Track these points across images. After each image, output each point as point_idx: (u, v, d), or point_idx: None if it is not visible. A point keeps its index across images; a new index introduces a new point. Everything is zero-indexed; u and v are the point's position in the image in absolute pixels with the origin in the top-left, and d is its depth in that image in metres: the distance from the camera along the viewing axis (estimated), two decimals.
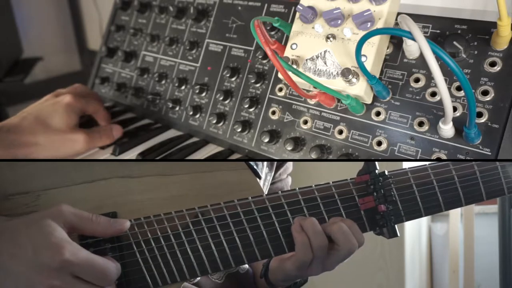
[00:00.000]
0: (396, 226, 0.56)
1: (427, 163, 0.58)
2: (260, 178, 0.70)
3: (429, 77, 0.62)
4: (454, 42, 0.58)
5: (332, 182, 0.56)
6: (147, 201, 0.53)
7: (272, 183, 0.77)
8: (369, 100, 0.64)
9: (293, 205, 0.54)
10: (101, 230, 0.48)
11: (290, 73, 0.60)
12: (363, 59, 0.59)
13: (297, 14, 0.65)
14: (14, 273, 0.44)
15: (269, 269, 0.62)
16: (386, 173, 0.57)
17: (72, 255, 0.44)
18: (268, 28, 0.75)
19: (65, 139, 0.77)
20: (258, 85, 0.77)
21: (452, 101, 0.56)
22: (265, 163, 0.73)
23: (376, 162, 0.57)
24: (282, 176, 0.80)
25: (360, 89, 0.60)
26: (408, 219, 0.57)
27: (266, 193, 0.74)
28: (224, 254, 0.52)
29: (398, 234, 0.55)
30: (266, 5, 0.78)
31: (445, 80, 0.57)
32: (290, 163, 0.81)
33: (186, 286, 0.61)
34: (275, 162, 0.76)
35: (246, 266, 0.68)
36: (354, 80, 0.60)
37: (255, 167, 0.65)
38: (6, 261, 0.44)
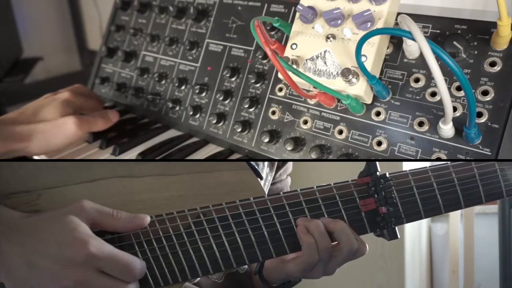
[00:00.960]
0: (396, 228, 0.56)
1: (427, 165, 0.58)
2: (261, 178, 0.70)
3: (429, 77, 0.62)
4: (454, 42, 0.58)
5: (334, 184, 0.56)
6: (147, 201, 0.53)
7: (272, 184, 0.77)
8: (369, 100, 0.64)
9: (294, 206, 0.55)
10: (122, 225, 0.49)
11: (290, 73, 0.60)
12: (363, 59, 0.59)
13: (297, 14, 0.65)
14: (39, 268, 0.45)
15: (265, 267, 0.62)
16: (387, 175, 0.57)
17: (97, 249, 0.45)
18: (268, 28, 0.75)
19: (55, 125, 0.75)
20: (258, 85, 0.77)
21: (452, 101, 0.56)
22: (266, 163, 0.73)
23: (377, 164, 0.57)
24: (282, 176, 0.80)
25: (360, 89, 0.60)
26: (408, 221, 0.57)
27: (266, 193, 0.74)
28: (225, 255, 0.52)
29: (399, 236, 0.56)
30: (266, 5, 0.78)
31: (445, 80, 0.57)
32: (290, 163, 0.81)
33: (187, 286, 0.61)
34: (276, 162, 0.76)
35: (246, 266, 0.68)
36: (354, 80, 0.60)
37: (256, 167, 0.65)
38: (29, 257, 0.45)
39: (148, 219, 0.50)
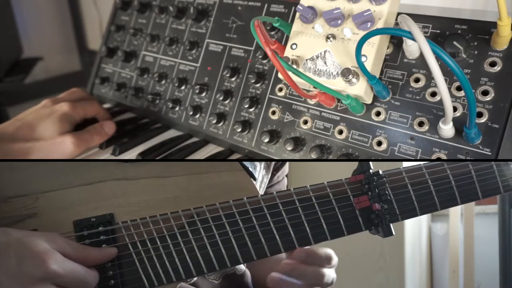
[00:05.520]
0: (391, 225, 0.56)
1: (421, 162, 0.58)
2: (255, 179, 0.70)
3: (429, 77, 0.62)
4: (454, 42, 0.58)
5: (327, 182, 0.56)
6: (143, 202, 0.54)
7: (270, 186, 0.77)
8: (369, 100, 0.64)
9: (288, 205, 0.55)
10: (91, 259, 0.49)
11: (290, 73, 0.60)
12: (363, 59, 0.59)
13: (297, 14, 0.65)
14: None
15: None
16: (381, 172, 0.57)
17: (58, 265, 0.45)
18: (268, 28, 0.75)
19: (53, 144, 0.76)
20: (258, 85, 0.77)
21: (452, 101, 0.56)
22: (262, 165, 0.73)
23: (370, 162, 0.57)
24: (280, 178, 0.80)
25: (360, 89, 0.60)
26: (403, 218, 0.57)
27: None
28: (219, 254, 0.52)
29: (393, 233, 0.56)
30: (266, 5, 0.78)
31: (445, 80, 0.57)
32: (287, 165, 0.81)
33: (183, 286, 0.61)
34: (272, 164, 0.76)
35: (243, 267, 0.68)
36: (354, 80, 0.60)
37: (250, 169, 0.65)
38: None
39: (115, 251, 0.51)
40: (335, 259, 0.59)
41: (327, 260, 0.57)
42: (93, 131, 0.82)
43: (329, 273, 0.58)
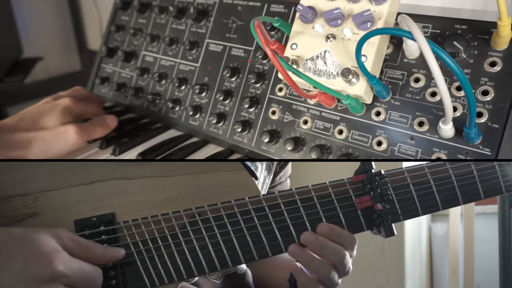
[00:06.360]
0: (393, 225, 0.56)
1: (424, 162, 0.58)
2: (257, 178, 0.70)
3: (429, 77, 0.62)
4: (454, 42, 0.58)
5: (329, 182, 0.56)
6: (144, 202, 0.53)
7: (272, 186, 0.77)
8: (369, 100, 0.64)
9: (289, 205, 0.55)
10: (97, 256, 0.49)
11: (290, 73, 0.60)
12: (363, 59, 0.59)
13: (297, 14, 0.65)
14: (3, 284, 0.43)
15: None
16: (383, 172, 0.57)
17: (65, 266, 0.44)
18: (268, 28, 0.75)
19: (56, 134, 0.75)
20: (258, 85, 0.77)
21: (452, 101, 0.56)
22: (263, 166, 0.73)
23: (372, 162, 0.57)
24: (282, 179, 0.80)
25: (360, 89, 0.60)
26: (405, 218, 0.57)
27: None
28: (221, 254, 0.53)
29: (395, 233, 0.56)
30: (266, 5, 0.78)
31: (445, 80, 0.57)
32: (289, 166, 0.81)
33: (184, 286, 0.61)
34: (274, 166, 0.76)
35: (244, 267, 0.68)
36: (354, 80, 0.60)
37: (252, 168, 0.65)
38: None
39: (123, 252, 0.50)
40: (355, 250, 0.56)
41: (351, 243, 0.54)
42: (95, 123, 0.82)
43: (349, 259, 0.55)
